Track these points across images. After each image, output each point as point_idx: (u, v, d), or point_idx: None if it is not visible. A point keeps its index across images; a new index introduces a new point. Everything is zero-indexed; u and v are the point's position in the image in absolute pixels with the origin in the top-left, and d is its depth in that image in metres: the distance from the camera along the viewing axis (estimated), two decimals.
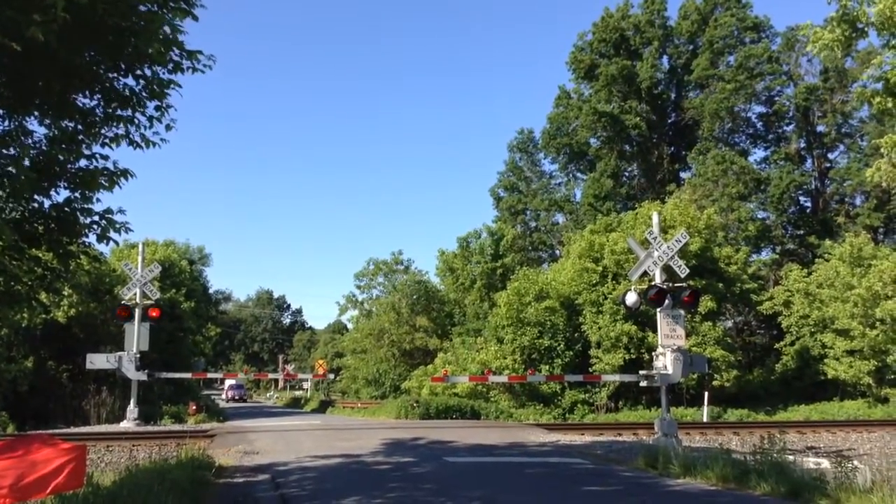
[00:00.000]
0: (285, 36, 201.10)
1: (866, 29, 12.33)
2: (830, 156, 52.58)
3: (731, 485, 10.51)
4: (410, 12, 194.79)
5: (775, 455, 11.13)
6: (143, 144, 9.32)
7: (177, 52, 8.68)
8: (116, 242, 9.64)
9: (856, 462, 13.41)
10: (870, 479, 10.31)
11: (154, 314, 23.79)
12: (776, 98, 52.09)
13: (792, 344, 39.50)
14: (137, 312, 23.36)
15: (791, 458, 12.39)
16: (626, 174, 57.78)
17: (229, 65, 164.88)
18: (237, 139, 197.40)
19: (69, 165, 9.08)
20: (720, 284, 35.99)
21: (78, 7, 6.89)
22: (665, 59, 55.81)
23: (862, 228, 43.93)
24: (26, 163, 8.33)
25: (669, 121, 57.47)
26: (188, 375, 32.37)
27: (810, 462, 13.75)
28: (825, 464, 13.45)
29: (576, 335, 36.01)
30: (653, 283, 19.11)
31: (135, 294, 23.68)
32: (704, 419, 29.80)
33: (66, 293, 27.32)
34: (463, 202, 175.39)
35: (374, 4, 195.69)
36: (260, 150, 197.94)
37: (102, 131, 9.14)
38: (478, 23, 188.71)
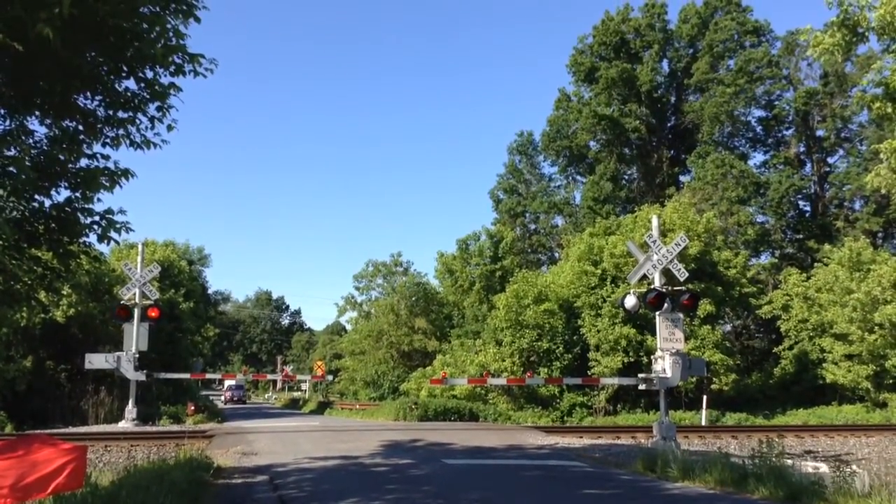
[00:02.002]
0: (284, 36, 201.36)
1: (867, 34, 12.35)
2: (830, 160, 52.70)
3: (730, 488, 10.51)
4: (410, 13, 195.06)
5: (774, 459, 11.13)
6: (143, 145, 9.33)
7: (178, 55, 8.68)
8: (117, 242, 9.66)
9: (854, 467, 13.43)
10: (868, 483, 10.33)
11: (153, 314, 23.79)
12: (776, 102, 52.17)
13: (791, 348, 39.49)
14: (136, 312, 23.36)
15: (789, 462, 12.39)
16: (626, 177, 57.86)
17: (229, 65, 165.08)
18: (237, 140, 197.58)
19: (70, 165, 9.09)
20: (719, 288, 35.99)
21: (81, 6, 6.90)
22: (665, 62, 55.90)
23: (861, 233, 43.96)
24: (27, 162, 8.33)
25: (669, 124, 57.54)
26: (187, 376, 32.35)
27: (809, 466, 13.75)
28: (823, 468, 13.45)
29: (574, 338, 35.99)
30: (652, 287, 19.12)
31: (134, 294, 23.68)
32: (703, 423, 29.80)
33: (65, 293, 27.29)
34: (462, 204, 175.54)
35: (373, 5, 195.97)
36: (260, 150, 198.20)
37: (104, 131, 9.14)
38: (479, 24, 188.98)
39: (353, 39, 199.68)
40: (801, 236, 50.67)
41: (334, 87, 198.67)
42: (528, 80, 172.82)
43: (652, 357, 19.78)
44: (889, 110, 12.99)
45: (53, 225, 9.29)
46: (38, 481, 5.26)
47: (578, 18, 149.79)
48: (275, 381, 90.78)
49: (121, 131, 9.20)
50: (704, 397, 31.53)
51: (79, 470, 5.56)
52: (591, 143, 56.05)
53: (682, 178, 55.36)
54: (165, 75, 8.91)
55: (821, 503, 8.94)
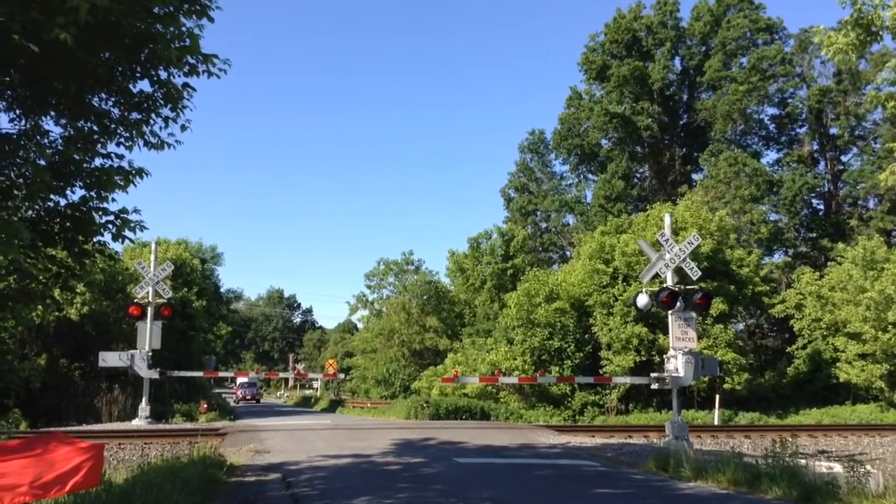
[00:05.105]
0: (295, 33, 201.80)
1: (880, 32, 12.26)
2: (843, 158, 52.35)
3: (743, 488, 10.48)
4: (422, 11, 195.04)
5: (787, 459, 11.08)
6: (158, 145, 9.37)
7: (192, 55, 8.70)
8: (131, 241, 9.74)
9: (868, 467, 13.35)
10: (882, 483, 10.29)
11: (166, 313, 23.89)
12: (789, 100, 51.87)
13: (804, 347, 39.29)
14: (150, 311, 23.47)
15: (803, 462, 12.34)
16: (638, 175, 57.69)
17: (241, 63, 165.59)
18: (251, 138, 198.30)
19: (85, 165, 9.15)
20: (732, 287, 35.83)
21: (96, 9, 6.94)
22: (677, 60, 55.64)
23: (875, 231, 43.62)
24: (42, 162, 8.40)
25: (681, 122, 57.30)
26: (200, 374, 32.55)
27: (822, 466, 13.69)
28: (837, 468, 13.39)
29: (586, 337, 35.94)
30: (664, 286, 19.03)
31: (147, 293, 23.79)
32: (716, 422, 29.71)
33: (79, 291, 27.44)
34: (474, 203, 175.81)
35: (385, 2, 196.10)
36: (272, 148, 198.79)
37: (118, 131, 9.20)
38: (490, 23, 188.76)
39: (364, 37, 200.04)
40: (814, 235, 50.37)
41: (347, 86, 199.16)
42: (539, 79, 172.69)
43: (664, 356, 19.69)
44: None
45: (68, 224, 9.36)
46: (55, 480, 5.30)
47: (590, 16, 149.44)
48: (286, 380, 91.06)
49: (135, 131, 9.24)
50: (717, 396, 31.43)
51: (96, 468, 5.60)
52: (603, 142, 55.91)
53: (694, 177, 55.17)
54: (179, 76, 8.95)
55: (834, 503, 8.89)
